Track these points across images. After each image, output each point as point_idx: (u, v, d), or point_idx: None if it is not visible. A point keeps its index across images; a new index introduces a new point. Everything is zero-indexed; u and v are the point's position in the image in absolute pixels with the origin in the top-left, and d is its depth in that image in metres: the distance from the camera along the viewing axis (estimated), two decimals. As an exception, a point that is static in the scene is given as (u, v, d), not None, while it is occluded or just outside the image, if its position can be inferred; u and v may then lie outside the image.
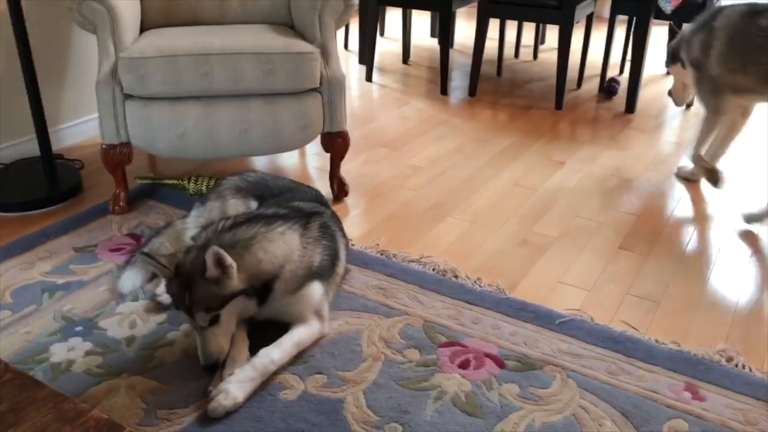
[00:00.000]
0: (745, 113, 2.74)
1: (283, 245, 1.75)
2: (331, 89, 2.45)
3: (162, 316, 1.91)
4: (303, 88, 2.39)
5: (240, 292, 1.66)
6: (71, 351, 1.78)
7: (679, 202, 2.66)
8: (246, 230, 1.73)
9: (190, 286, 1.62)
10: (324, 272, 1.84)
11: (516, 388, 1.68)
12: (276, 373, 1.69)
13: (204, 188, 2.57)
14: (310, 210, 1.93)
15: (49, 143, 2.65)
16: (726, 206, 2.64)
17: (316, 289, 1.81)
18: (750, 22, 2.50)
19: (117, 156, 2.41)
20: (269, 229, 1.76)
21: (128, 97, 2.33)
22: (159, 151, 2.43)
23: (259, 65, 2.31)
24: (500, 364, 1.76)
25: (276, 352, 1.69)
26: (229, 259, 1.61)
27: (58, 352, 1.77)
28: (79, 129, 3.07)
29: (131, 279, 2.02)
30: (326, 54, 2.44)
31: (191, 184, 2.60)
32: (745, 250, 2.34)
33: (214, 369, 1.66)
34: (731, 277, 2.18)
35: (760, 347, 1.86)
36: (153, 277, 2.05)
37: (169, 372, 1.71)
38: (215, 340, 1.64)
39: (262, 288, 1.72)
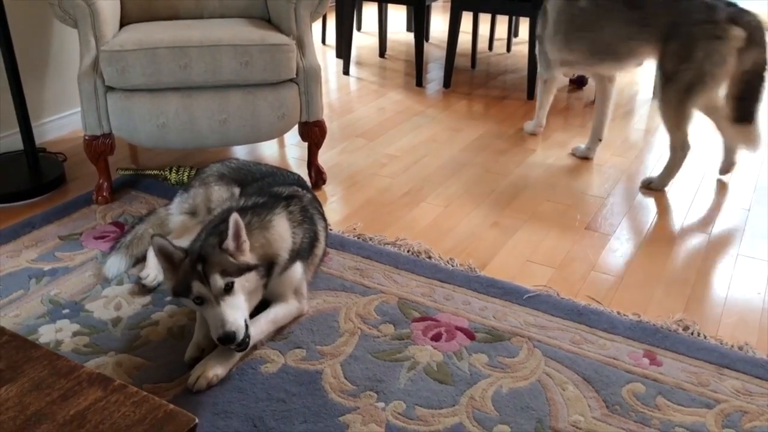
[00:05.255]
0: (611, 79, 2.99)
1: (275, 233, 1.83)
2: (307, 79, 2.53)
3: (147, 298, 1.99)
4: (280, 79, 2.47)
5: (254, 266, 1.71)
6: (59, 332, 1.85)
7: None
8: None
9: (206, 257, 1.66)
10: (304, 253, 1.92)
11: (485, 357, 1.78)
12: (256, 348, 1.77)
13: (185, 178, 2.64)
14: (288, 194, 2.00)
15: (33, 137, 2.71)
16: (685, 190, 2.75)
17: (297, 269, 1.89)
18: (571, 3, 2.81)
19: (99, 147, 2.47)
20: (261, 219, 1.83)
21: (110, 89, 2.40)
22: (140, 141, 2.50)
23: (236, 57, 2.38)
24: (470, 336, 1.85)
25: (252, 329, 1.75)
26: (245, 234, 1.70)
27: (47, 333, 1.84)
28: (62, 123, 3.13)
29: (116, 264, 2.09)
30: (302, 45, 2.53)
31: (173, 174, 2.67)
32: (703, 228, 2.46)
33: (231, 342, 1.61)
34: (690, 254, 2.29)
35: (715, 316, 1.97)
36: (137, 261, 2.13)
37: (155, 349, 1.79)
38: (232, 313, 1.62)
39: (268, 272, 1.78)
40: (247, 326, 1.67)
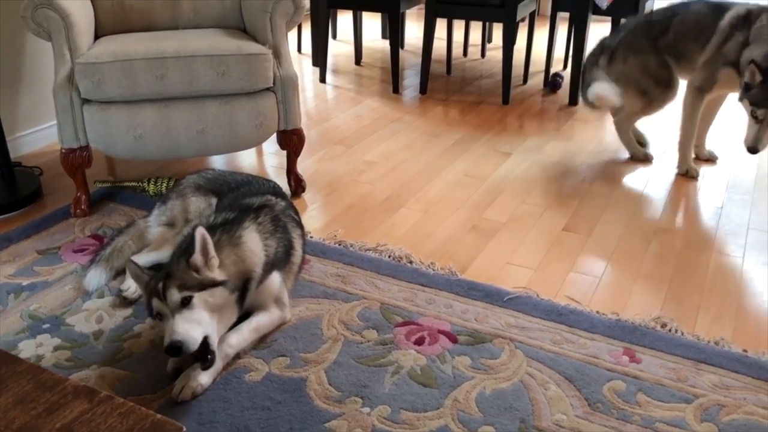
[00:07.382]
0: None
1: (246, 248, 1.81)
2: (284, 88, 2.54)
3: (128, 311, 1.98)
4: (257, 88, 2.48)
5: (221, 282, 1.68)
6: (40, 347, 1.83)
7: (619, 187, 2.82)
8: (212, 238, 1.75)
9: (170, 273, 1.65)
10: (279, 263, 1.92)
11: (468, 360, 1.79)
12: (239, 357, 1.77)
13: (164, 189, 2.63)
14: (258, 205, 1.97)
15: (7, 151, 2.69)
16: (659, 189, 2.80)
17: (274, 279, 1.89)
18: None
19: (77, 159, 2.46)
20: (230, 236, 1.80)
21: (86, 101, 2.39)
22: (118, 153, 2.49)
23: (213, 67, 2.39)
24: (453, 340, 1.87)
25: (234, 337, 1.76)
26: (212, 249, 1.69)
27: (27, 349, 1.82)
28: (37, 136, 3.10)
29: (96, 277, 2.07)
30: (278, 54, 2.54)
31: (151, 185, 2.66)
32: (678, 226, 2.50)
33: (178, 354, 1.59)
34: (666, 252, 2.34)
35: (691, 313, 2.01)
36: (117, 274, 2.11)
37: (138, 361, 1.78)
38: (184, 325, 1.59)
39: (242, 287, 1.76)
40: (208, 343, 1.63)
